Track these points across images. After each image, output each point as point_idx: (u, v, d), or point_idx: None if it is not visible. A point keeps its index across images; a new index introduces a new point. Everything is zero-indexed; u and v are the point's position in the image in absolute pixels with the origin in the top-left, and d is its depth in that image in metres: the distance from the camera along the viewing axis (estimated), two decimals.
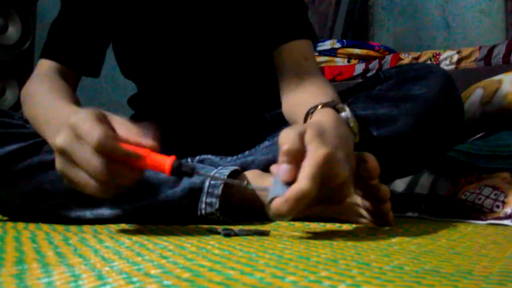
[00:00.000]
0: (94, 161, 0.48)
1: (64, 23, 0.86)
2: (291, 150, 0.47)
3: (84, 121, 0.49)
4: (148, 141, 0.50)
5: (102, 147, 0.48)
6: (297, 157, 0.48)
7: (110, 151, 0.48)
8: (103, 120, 0.51)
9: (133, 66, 0.91)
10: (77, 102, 0.74)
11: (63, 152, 0.50)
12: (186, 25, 0.85)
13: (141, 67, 0.90)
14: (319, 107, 0.62)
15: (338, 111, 0.61)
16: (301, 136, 0.49)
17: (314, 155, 0.47)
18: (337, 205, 0.54)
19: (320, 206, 0.52)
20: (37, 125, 0.69)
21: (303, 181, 0.46)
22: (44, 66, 0.83)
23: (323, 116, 0.59)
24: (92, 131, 0.48)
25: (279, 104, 0.84)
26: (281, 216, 0.47)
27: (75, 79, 0.86)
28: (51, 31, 0.86)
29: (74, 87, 0.87)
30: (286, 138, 0.48)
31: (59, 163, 0.52)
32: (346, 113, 0.61)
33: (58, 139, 0.50)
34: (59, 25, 0.86)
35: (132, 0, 0.85)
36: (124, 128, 0.51)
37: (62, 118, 0.57)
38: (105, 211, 0.67)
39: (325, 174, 0.47)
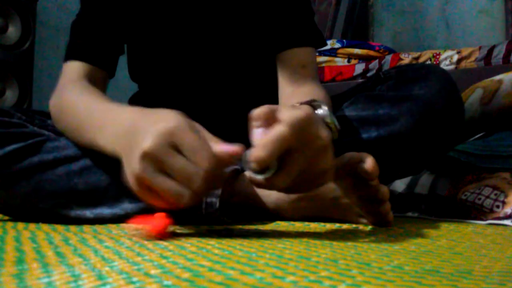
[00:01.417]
0: (192, 169, 0.46)
1: (85, 25, 0.84)
2: (261, 113, 0.47)
3: (184, 130, 0.47)
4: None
5: (209, 171, 0.45)
6: (269, 121, 0.47)
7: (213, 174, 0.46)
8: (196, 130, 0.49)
9: (143, 66, 0.91)
10: None
11: (152, 158, 0.46)
12: (195, 27, 0.85)
13: (151, 67, 0.90)
14: (296, 105, 0.62)
15: (314, 108, 0.60)
16: (273, 109, 0.48)
17: (292, 112, 0.46)
18: (321, 179, 0.51)
19: (306, 182, 0.50)
20: (80, 133, 0.66)
21: (279, 126, 0.45)
22: (71, 71, 0.80)
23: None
24: (201, 148, 0.46)
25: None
26: (260, 163, 0.45)
27: (104, 81, 0.84)
28: (73, 33, 0.84)
29: (104, 92, 0.85)
30: (256, 110, 0.48)
31: (143, 169, 0.47)
32: (322, 111, 0.60)
33: (146, 143, 0.46)
34: (81, 27, 0.84)
35: (145, 3, 0.85)
36: (213, 140, 0.50)
37: (125, 121, 0.54)
38: (105, 211, 0.67)
39: (305, 133, 0.46)
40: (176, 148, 0.46)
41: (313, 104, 0.61)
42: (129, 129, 0.52)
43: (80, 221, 0.67)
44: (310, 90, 0.76)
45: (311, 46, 0.85)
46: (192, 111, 0.91)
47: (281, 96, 0.82)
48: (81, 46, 0.82)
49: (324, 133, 0.48)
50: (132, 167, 0.48)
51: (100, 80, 0.82)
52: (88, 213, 0.67)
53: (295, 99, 0.72)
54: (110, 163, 0.69)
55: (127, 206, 0.68)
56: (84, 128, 0.64)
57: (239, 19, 0.86)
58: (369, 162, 0.62)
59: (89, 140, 0.63)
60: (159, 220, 0.50)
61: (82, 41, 0.83)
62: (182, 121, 0.48)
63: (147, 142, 0.46)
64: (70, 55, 0.82)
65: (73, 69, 0.80)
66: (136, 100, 0.96)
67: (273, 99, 0.86)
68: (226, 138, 0.87)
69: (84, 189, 0.68)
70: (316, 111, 0.60)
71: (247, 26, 0.86)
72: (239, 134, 0.89)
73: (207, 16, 0.85)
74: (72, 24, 0.86)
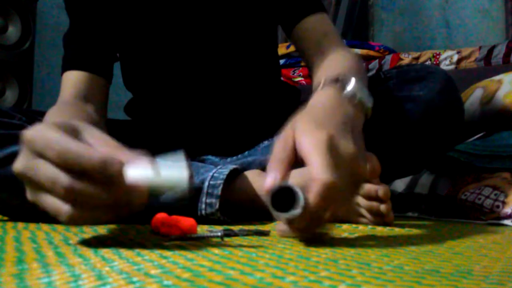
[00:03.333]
0: (61, 177, 0.38)
1: (77, 35, 0.84)
2: (277, 161, 0.45)
3: (42, 133, 0.39)
4: (126, 153, 0.40)
5: (63, 157, 0.37)
6: (285, 163, 0.45)
7: (75, 161, 0.37)
8: (73, 133, 0.41)
9: (136, 74, 0.91)
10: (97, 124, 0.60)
11: (25, 178, 0.40)
12: (190, 26, 0.85)
13: (144, 74, 0.89)
14: (321, 83, 0.56)
15: (342, 86, 0.55)
16: (291, 144, 0.46)
17: (318, 182, 0.42)
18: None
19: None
20: None
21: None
22: (69, 84, 0.79)
23: (322, 97, 0.54)
24: (51, 141, 0.38)
25: (279, 105, 0.84)
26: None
27: (103, 89, 0.83)
28: (67, 44, 0.84)
29: (104, 103, 0.83)
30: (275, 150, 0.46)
31: (28, 194, 0.41)
32: (351, 88, 0.55)
33: (15, 164, 0.41)
34: (73, 38, 0.84)
35: (135, 7, 0.85)
36: (101, 142, 0.41)
37: None
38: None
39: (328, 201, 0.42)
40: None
41: (342, 80, 0.55)
42: None
43: None
44: (337, 60, 0.72)
45: (323, 11, 0.83)
46: (188, 116, 0.91)
47: (312, 71, 0.79)
48: (76, 55, 0.82)
49: (343, 200, 0.46)
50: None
51: (99, 87, 0.82)
52: None
53: (323, 74, 0.66)
54: None
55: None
56: None
57: (233, 18, 0.85)
58: (372, 161, 0.62)
59: None
60: (186, 219, 0.50)
61: (77, 50, 0.83)
62: (45, 125, 0.41)
63: (16, 162, 0.41)
64: (67, 66, 0.82)
65: (71, 81, 0.80)
66: (131, 107, 0.96)
67: (270, 96, 0.85)
68: (224, 135, 0.87)
69: None
70: (345, 91, 0.55)
71: (243, 26, 0.86)
72: (236, 136, 0.89)
73: (200, 18, 0.84)
74: (64, 37, 0.85)
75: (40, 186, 0.39)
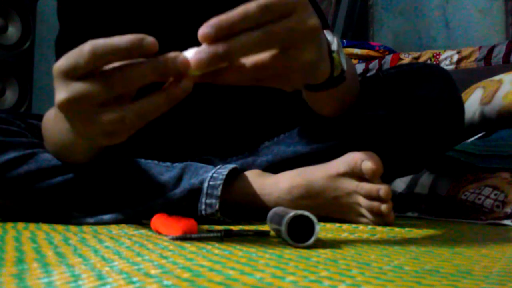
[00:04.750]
0: (111, 78, 0.40)
1: (70, 44, 0.83)
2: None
3: (73, 53, 0.41)
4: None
5: (96, 51, 0.39)
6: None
7: (107, 50, 0.40)
8: None
9: None
10: None
11: (71, 107, 0.41)
12: (189, 26, 0.84)
13: None
14: None
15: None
16: None
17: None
18: (291, 85, 0.48)
19: (277, 80, 0.47)
20: (46, 148, 0.69)
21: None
22: None
23: None
24: (93, 48, 0.40)
25: (279, 105, 0.84)
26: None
27: None
28: (59, 54, 0.83)
29: None
30: None
31: (79, 126, 0.42)
32: (331, 38, 0.54)
33: (58, 98, 0.41)
34: (66, 47, 0.83)
35: (134, 8, 0.84)
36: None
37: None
38: (106, 216, 0.67)
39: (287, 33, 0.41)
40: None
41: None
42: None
43: (81, 223, 0.67)
44: None
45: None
46: (188, 116, 0.90)
47: None
48: None
49: (310, 50, 0.44)
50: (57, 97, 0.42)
51: None
52: (89, 219, 0.67)
53: None
54: (111, 173, 0.69)
55: (128, 211, 0.68)
56: (46, 142, 0.68)
57: None
58: (374, 160, 0.62)
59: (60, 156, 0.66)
60: (186, 219, 0.50)
61: None
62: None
63: (56, 97, 0.41)
64: None
65: None
66: None
67: (270, 96, 0.85)
68: (224, 136, 0.87)
69: (85, 198, 0.68)
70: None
71: None
72: (237, 137, 0.89)
73: (199, 19, 0.84)
74: (56, 43, 0.84)
75: (89, 109, 0.40)
